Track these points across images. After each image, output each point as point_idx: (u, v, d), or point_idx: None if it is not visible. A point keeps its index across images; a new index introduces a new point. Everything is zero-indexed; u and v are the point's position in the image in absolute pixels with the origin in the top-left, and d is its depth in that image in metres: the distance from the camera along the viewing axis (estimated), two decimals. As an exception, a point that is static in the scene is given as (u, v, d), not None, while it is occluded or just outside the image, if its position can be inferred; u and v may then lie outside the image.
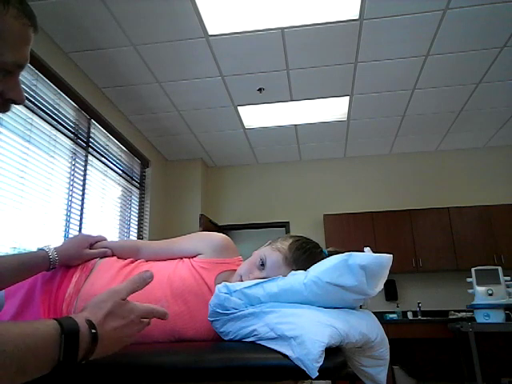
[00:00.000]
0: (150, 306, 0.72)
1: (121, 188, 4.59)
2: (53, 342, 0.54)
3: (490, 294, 3.71)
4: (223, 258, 1.05)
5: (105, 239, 1.16)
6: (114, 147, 4.45)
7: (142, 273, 0.73)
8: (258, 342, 0.83)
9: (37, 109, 3.15)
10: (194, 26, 3.19)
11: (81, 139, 3.77)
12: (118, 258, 1.12)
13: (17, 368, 0.50)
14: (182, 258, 1.08)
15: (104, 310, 0.64)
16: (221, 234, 1.10)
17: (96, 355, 0.61)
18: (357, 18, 3.14)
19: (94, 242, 1.12)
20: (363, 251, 0.94)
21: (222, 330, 0.91)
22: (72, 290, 1.01)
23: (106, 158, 4.24)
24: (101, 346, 0.61)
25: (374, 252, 0.93)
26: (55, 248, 1.04)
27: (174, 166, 5.80)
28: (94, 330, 0.59)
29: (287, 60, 3.65)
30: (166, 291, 0.98)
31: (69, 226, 3.50)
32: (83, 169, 3.80)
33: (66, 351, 0.55)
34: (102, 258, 1.11)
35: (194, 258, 1.06)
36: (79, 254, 1.06)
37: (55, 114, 3.39)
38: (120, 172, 4.54)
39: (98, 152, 4.07)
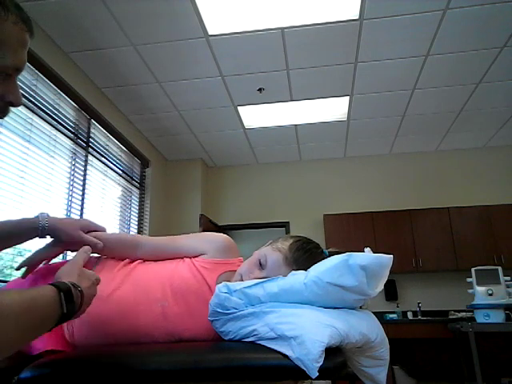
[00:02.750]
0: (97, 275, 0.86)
1: (121, 188, 4.59)
2: (56, 300, 0.68)
3: (490, 294, 3.71)
4: (225, 259, 1.05)
5: (104, 230, 1.12)
6: (114, 147, 4.45)
7: (85, 246, 0.90)
8: (258, 342, 0.83)
9: (37, 109, 3.15)
10: (194, 26, 3.19)
11: (81, 139, 3.77)
12: (113, 251, 1.09)
13: (40, 322, 0.65)
14: (182, 258, 1.07)
15: (75, 275, 0.77)
16: (223, 234, 1.10)
17: (80, 312, 0.75)
18: (357, 18, 3.14)
19: (93, 230, 1.09)
20: (363, 251, 0.94)
21: (222, 329, 0.91)
22: None
23: (106, 158, 4.24)
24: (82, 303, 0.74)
25: (375, 252, 0.93)
26: (50, 217, 1.03)
27: (174, 166, 5.80)
28: (79, 288, 0.74)
29: (287, 60, 3.65)
30: (167, 291, 0.98)
31: (69, 226, 3.49)
32: (83, 169, 3.80)
33: (67, 305, 0.69)
34: (98, 256, 1.10)
35: (196, 258, 1.05)
36: (70, 233, 1.04)
37: (55, 114, 3.39)
38: (120, 172, 4.54)
39: (98, 152, 4.07)
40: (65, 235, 1.04)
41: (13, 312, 0.59)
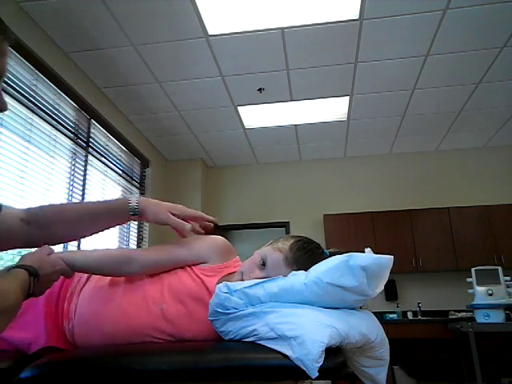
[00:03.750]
0: (67, 267, 0.93)
1: (121, 188, 4.59)
2: (27, 283, 0.80)
3: (490, 294, 3.71)
4: (225, 262, 1.05)
5: (208, 220, 1.06)
6: (114, 147, 4.45)
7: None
8: (258, 342, 0.83)
9: (37, 109, 3.15)
10: (194, 26, 3.19)
11: (81, 139, 3.77)
12: (100, 269, 0.99)
13: (22, 294, 0.78)
14: (183, 267, 1.03)
15: (37, 260, 0.86)
16: (219, 236, 1.08)
17: (38, 293, 0.87)
18: (357, 18, 3.14)
19: (190, 217, 1.04)
20: (364, 251, 0.94)
21: (222, 329, 0.90)
22: (74, 288, 1.02)
23: (106, 158, 4.24)
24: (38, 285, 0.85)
25: (375, 252, 0.93)
26: (139, 198, 1.02)
27: (174, 166, 5.80)
28: (37, 272, 0.84)
29: (287, 60, 3.65)
30: (165, 293, 0.98)
31: (69, 226, 3.49)
32: (83, 169, 3.80)
33: (33, 287, 0.82)
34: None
35: (197, 266, 1.03)
36: (158, 214, 1.01)
37: (55, 114, 3.39)
38: (120, 172, 4.53)
39: (98, 152, 4.07)
40: (152, 215, 1.02)
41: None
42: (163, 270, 1.02)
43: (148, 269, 1.01)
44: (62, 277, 1.04)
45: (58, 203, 1.08)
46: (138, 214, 1.01)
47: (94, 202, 1.07)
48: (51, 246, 0.96)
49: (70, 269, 0.95)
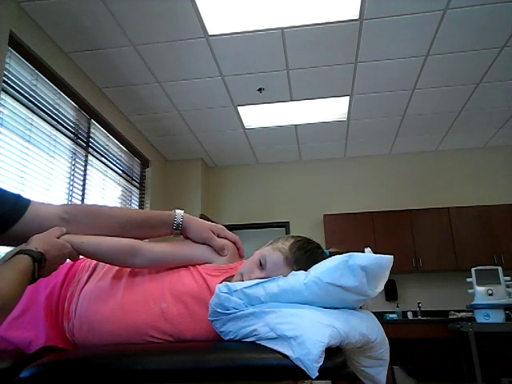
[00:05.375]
0: (74, 251, 0.93)
1: (121, 188, 4.59)
2: (31, 269, 0.81)
3: (490, 294, 3.71)
4: (230, 264, 1.05)
5: (235, 240, 1.09)
6: (114, 147, 4.45)
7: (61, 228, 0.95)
8: (258, 342, 0.83)
9: (37, 109, 3.15)
10: (193, 26, 3.19)
11: (81, 139, 3.77)
12: (105, 257, 0.99)
13: (22, 283, 0.78)
14: (186, 266, 1.03)
15: (43, 243, 0.86)
16: (226, 239, 1.08)
17: (43, 274, 0.87)
18: (357, 18, 3.14)
19: (222, 236, 1.07)
20: (364, 251, 0.94)
21: (222, 329, 0.90)
22: (74, 288, 1.02)
23: (106, 158, 4.24)
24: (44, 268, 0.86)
25: (375, 252, 0.93)
26: (185, 214, 1.04)
27: (174, 166, 5.80)
28: (44, 255, 0.85)
29: (287, 60, 3.65)
30: (165, 292, 0.98)
31: (69, 226, 3.49)
32: (83, 169, 3.80)
33: (38, 272, 0.83)
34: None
35: (202, 266, 1.03)
36: (202, 233, 1.05)
37: (55, 114, 3.39)
38: (120, 172, 4.53)
39: (98, 152, 4.07)
40: (195, 234, 1.04)
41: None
42: (168, 267, 1.02)
43: (153, 263, 1.01)
44: (62, 274, 1.04)
45: (99, 205, 1.06)
46: (180, 230, 1.03)
47: (136, 211, 1.08)
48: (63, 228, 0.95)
49: (77, 253, 0.96)
